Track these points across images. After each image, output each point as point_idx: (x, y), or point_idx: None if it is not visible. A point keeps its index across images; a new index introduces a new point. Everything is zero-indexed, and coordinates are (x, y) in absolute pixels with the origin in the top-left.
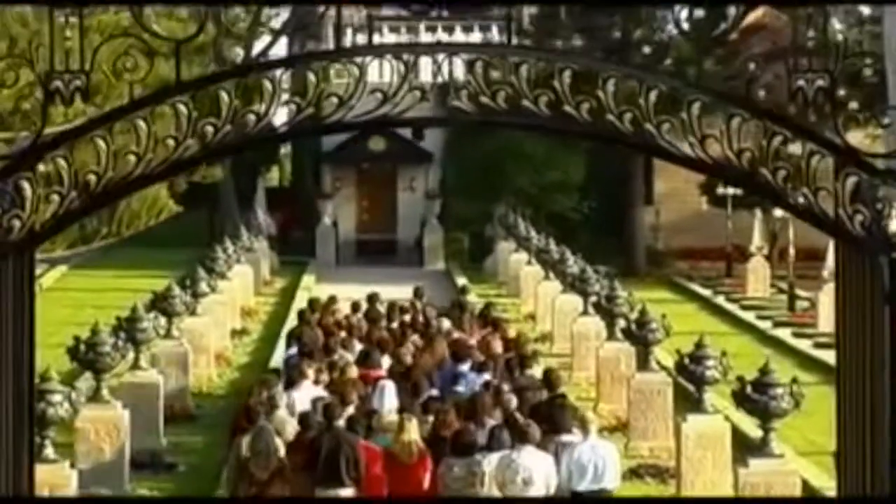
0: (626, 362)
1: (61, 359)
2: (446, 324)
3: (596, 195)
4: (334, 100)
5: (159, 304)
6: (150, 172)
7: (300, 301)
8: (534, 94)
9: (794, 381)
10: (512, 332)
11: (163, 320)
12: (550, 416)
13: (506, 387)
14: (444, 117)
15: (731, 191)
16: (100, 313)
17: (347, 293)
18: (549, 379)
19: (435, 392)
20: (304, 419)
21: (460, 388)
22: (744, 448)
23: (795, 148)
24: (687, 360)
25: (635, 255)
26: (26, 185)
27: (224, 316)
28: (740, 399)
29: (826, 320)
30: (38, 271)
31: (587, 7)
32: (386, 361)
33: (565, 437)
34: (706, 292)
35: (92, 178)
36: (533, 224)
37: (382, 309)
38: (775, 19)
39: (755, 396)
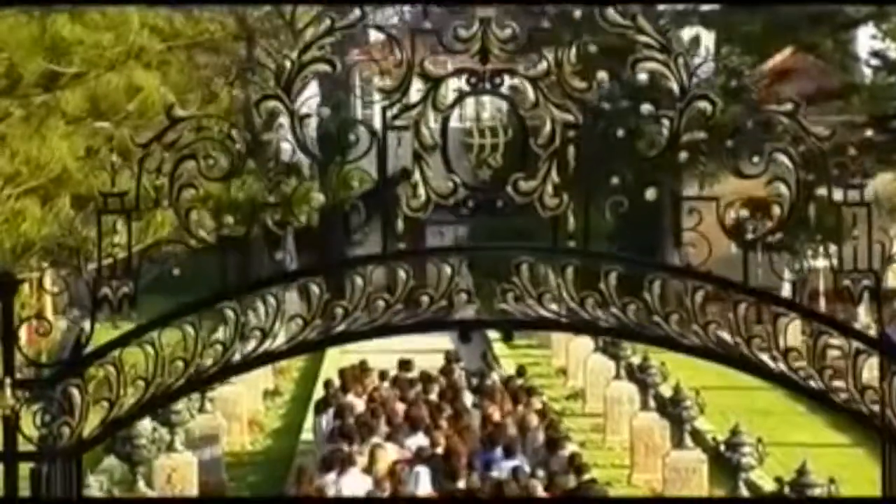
0: (660, 433)
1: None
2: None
3: (625, 240)
4: (380, 303)
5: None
6: (198, 377)
7: (331, 356)
8: (580, 295)
9: (832, 480)
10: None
11: (196, 396)
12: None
13: (539, 472)
14: (490, 319)
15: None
16: None
17: (378, 344)
18: (577, 466)
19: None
20: None
21: (493, 474)
22: None
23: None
24: (723, 447)
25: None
26: (75, 392)
27: (256, 377)
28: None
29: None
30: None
31: (612, 52)
32: (415, 438)
33: None
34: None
35: (140, 384)
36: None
37: (413, 375)
38: (804, 61)
39: (793, 496)
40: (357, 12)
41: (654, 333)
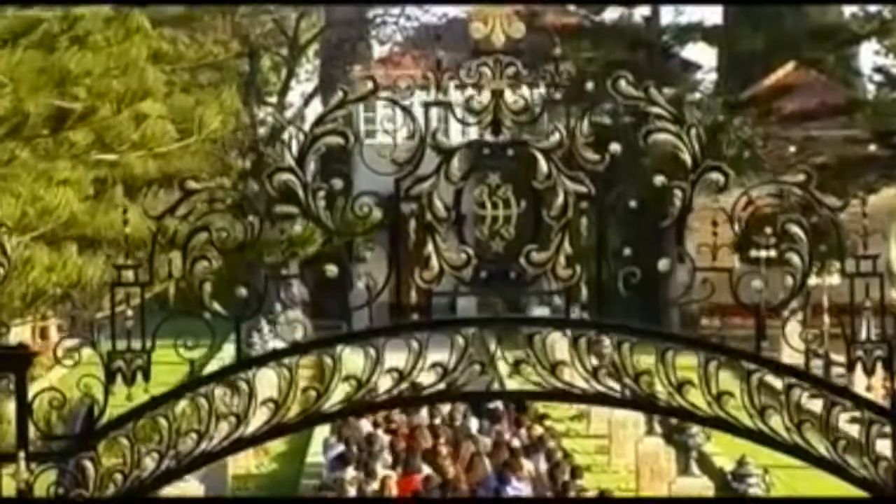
0: (665, 458)
1: None
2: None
3: (629, 257)
4: (395, 374)
5: None
6: (212, 450)
7: None
8: (593, 366)
9: None
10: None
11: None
12: None
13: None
14: (503, 391)
15: (763, 253)
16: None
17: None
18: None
19: None
20: None
21: None
22: None
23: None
24: (730, 478)
25: (668, 316)
26: (89, 465)
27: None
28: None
29: (861, 389)
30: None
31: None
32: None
33: None
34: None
35: (154, 455)
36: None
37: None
38: (807, 77)
39: None
40: (370, 85)
41: (668, 405)
